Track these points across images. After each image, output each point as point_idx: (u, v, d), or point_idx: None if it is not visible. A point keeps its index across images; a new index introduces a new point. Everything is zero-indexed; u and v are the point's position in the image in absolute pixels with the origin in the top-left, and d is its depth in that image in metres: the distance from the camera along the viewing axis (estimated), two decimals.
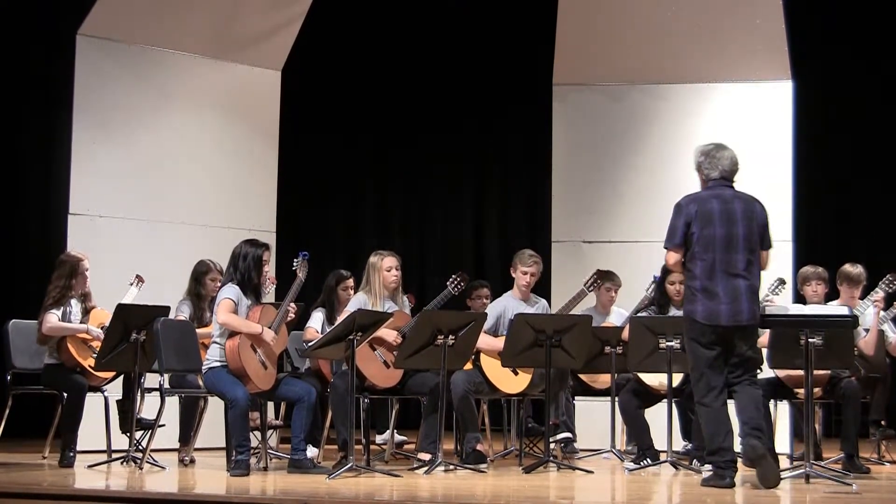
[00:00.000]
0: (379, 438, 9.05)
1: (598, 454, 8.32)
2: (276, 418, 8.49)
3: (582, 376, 8.47)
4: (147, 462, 7.28)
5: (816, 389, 7.40)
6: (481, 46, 12.16)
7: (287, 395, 7.28)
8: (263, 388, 7.10)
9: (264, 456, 7.37)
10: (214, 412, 7.79)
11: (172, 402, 7.77)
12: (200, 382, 7.49)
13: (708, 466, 7.36)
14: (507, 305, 7.98)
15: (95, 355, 7.51)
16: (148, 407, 7.87)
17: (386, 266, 7.72)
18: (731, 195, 6.54)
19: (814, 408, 7.63)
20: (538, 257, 8.08)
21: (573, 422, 8.38)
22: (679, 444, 8.09)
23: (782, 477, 6.46)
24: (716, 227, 6.43)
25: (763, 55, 9.87)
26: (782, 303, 7.94)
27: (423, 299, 9.02)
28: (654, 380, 7.67)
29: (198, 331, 7.71)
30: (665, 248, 6.58)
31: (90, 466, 7.31)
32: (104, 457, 7.55)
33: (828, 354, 6.87)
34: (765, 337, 7.22)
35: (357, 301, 7.68)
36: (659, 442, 7.57)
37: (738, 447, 6.45)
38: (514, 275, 8.07)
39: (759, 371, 6.65)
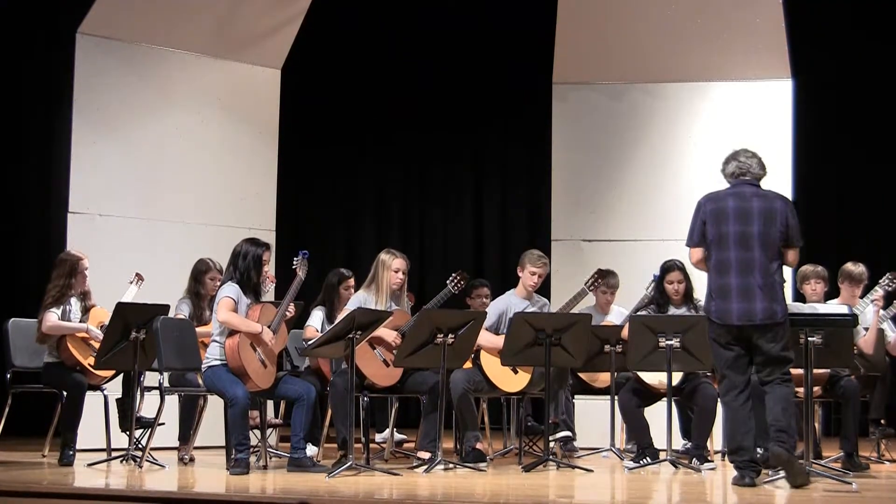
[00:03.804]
0: (378, 437, 9.05)
1: (597, 453, 8.33)
2: (276, 417, 8.49)
3: (581, 375, 8.47)
4: (147, 461, 7.27)
5: (816, 388, 7.41)
6: (481, 45, 12.15)
7: (286, 394, 7.28)
8: (263, 387, 7.11)
9: (264, 454, 7.37)
10: (214, 411, 7.79)
11: (172, 401, 7.77)
12: (200, 381, 7.49)
13: (710, 464, 7.45)
14: (509, 303, 7.98)
15: (95, 354, 7.51)
16: (147, 405, 7.87)
17: (395, 266, 7.70)
18: (751, 193, 6.47)
19: (813, 406, 7.63)
20: (546, 258, 8.10)
21: (573, 420, 8.38)
22: (679, 442, 8.10)
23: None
24: (729, 224, 6.40)
25: (763, 54, 9.87)
26: None
27: (423, 298, 9.02)
28: (654, 378, 7.66)
29: (197, 329, 7.71)
30: (686, 246, 6.61)
31: (90, 465, 7.31)
32: (104, 455, 7.56)
33: (827, 353, 6.86)
34: None
35: (356, 300, 7.68)
36: (658, 441, 7.57)
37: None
38: (520, 274, 8.05)
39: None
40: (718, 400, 7.63)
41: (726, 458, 7.88)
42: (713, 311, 6.42)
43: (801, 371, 6.78)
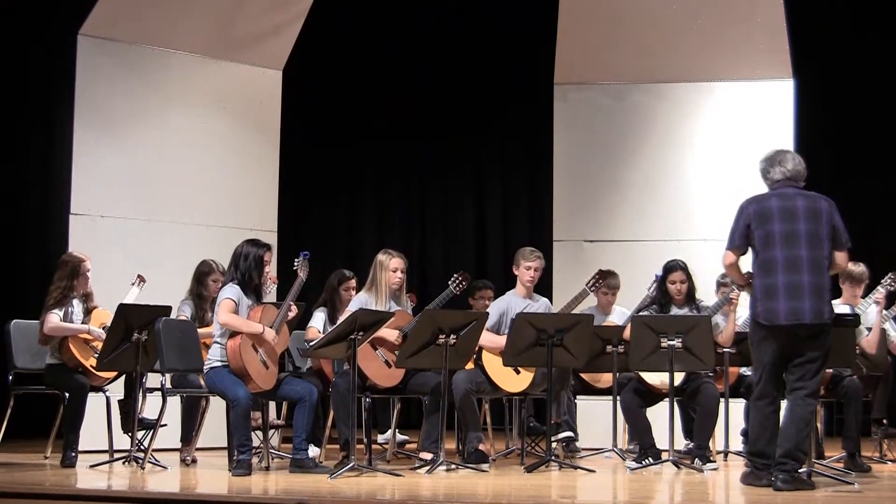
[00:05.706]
0: (381, 438, 9.05)
1: (599, 453, 8.32)
2: (278, 418, 8.48)
3: (583, 375, 8.48)
4: (149, 462, 7.27)
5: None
6: (482, 46, 12.16)
7: (288, 395, 7.28)
8: (265, 388, 7.10)
9: (266, 455, 7.37)
10: (216, 412, 7.79)
11: (174, 402, 7.78)
12: (202, 382, 7.49)
13: (712, 465, 7.43)
14: (510, 303, 7.98)
15: (97, 355, 7.51)
16: (150, 407, 7.88)
17: (392, 266, 7.71)
18: (794, 193, 6.40)
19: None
20: (539, 252, 8.08)
21: (575, 421, 8.38)
22: (681, 443, 8.10)
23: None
24: (775, 223, 6.31)
25: (764, 54, 9.86)
26: None
27: (424, 299, 9.02)
28: (656, 379, 7.66)
29: (199, 330, 7.71)
30: (726, 248, 6.50)
31: (92, 466, 7.31)
32: (106, 457, 7.56)
33: (830, 353, 6.85)
34: None
35: (358, 301, 7.68)
36: (660, 441, 7.57)
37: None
38: (516, 272, 8.06)
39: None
40: (721, 400, 7.67)
41: (729, 456, 7.91)
42: (760, 312, 6.29)
43: None
